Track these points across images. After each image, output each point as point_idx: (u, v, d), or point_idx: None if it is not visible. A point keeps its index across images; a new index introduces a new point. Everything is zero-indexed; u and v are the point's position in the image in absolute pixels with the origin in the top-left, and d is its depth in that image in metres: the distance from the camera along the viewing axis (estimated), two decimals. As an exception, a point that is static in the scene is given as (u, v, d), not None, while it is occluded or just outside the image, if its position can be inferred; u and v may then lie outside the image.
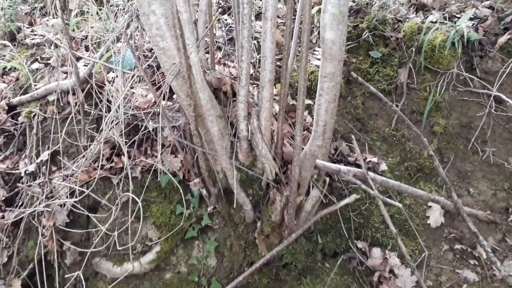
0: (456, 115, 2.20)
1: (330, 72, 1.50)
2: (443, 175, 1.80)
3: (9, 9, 2.87)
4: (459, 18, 2.36)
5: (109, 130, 1.83)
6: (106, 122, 1.80)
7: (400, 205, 1.57)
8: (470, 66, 2.24)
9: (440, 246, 2.01)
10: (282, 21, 2.55)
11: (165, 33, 1.42)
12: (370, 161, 2.15)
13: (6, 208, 2.12)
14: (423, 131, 2.21)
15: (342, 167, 1.73)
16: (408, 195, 2.02)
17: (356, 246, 2.00)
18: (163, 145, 1.95)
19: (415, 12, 2.58)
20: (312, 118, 2.20)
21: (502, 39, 2.24)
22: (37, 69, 2.39)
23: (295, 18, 1.89)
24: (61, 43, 2.46)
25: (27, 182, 2.11)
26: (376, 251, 1.97)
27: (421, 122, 2.23)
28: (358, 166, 2.07)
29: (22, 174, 2.12)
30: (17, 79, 2.44)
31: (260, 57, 2.31)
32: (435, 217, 1.98)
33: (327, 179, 1.89)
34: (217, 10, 2.60)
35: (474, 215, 1.91)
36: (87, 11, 2.82)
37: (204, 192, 1.90)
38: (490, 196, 2.04)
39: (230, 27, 2.46)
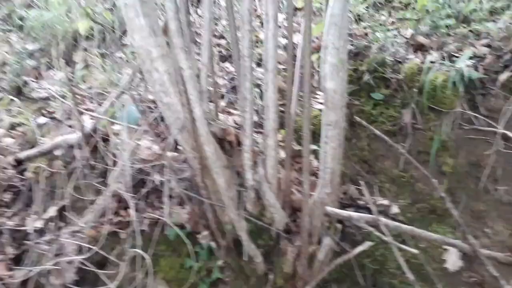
0: (464, 154, 2.19)
1: (333, 120, 1.51)
2: (457, 216, 1.76)
3: (16, 64, 2.95)
4: (458, 57, 2.39)
5: (116, 184, 1.82)
6: (112, 175, 1.80)
7: (416, 251, 1.53)
8: (473, 104, 2.25)
9: (460, 291, 1.94)
10: (282, 66, 2.59)
11: (169, 88, 1.44)
12: (381, 204, 2.11)
13: (15, 267, 2.09)
14: (431, 172, 2.18)
15: (353, 213, 1.70)
16: (423, 239, 1.97)
17: (372, 294, 1.93)
18: (170, 197, 1.93)
19: (414, 53, 2.62)
20: (318, 162, 2.20)
21: (502, 77, 2.26)
22: (43, 123, 2.42)
23: (295, 63, 1.92)
24: (66, 97, 2.51)
25: (35, 239, 2.09)
26: (394, 299, 1.90)
27: (429, 162, 2.20)
28: (369, 209, 2.03)
29: (30, 231, 2.10)
30: (24, 133, 2.47)
31: (262, 103, 2.34)
32: (453, 260, 1.92)
33: (339, 225, 1.86)
34: (218, 59, 2.65)
35: (493, 257, 1.85)
36: (92, 63, 2.90)
37: (213, 244, 1.87)
38: (508, 236, 1.99)
39: (233, 75, 2.50)
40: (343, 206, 2.06)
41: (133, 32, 1.33)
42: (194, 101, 1.42)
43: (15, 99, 2.66)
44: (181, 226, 1.94)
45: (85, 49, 2.99)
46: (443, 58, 2.42)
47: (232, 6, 1.58)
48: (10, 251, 2.15)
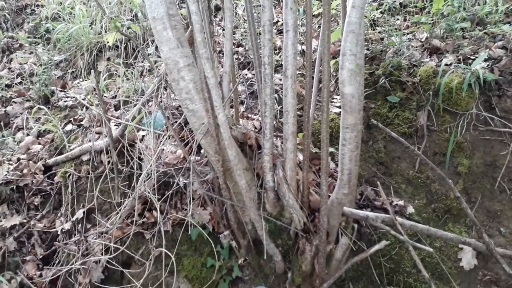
0: (480, 154, 2.22)
1: (351, 123, 1.57)
2: (472, 216, 1.79)
3: (43, 74, 3.08)
4: (473, 59, 2.42)
5: (142, 187, 1.91)
6: (139, 180, 1.89)
7: (431, 250, 1.58)
8: (489, 106, 2.27)
9: (475, 289, 1.97)
10: (300, 72, 2.66)
11: (194, 96, 1.53)
12: (396, 204, 2.16)
13: (44, 267, 2.19)
14: (447, 172, 2.22)
15: (370, 213, 1.75)
16: (438, 238, 2.01)
17: (389, 292, 1.98)
18: (192, 199, 2.01)
19: (429, 56, 2.66)
20: (335, 164, 2.25)
21: (518, 78, 2.28)
22: (70, 130, 2.53)
23: (313, 69, 1.99)
24: (92, 104, 2.62)
25: (63, 240, 2.19)
26: (410, 297, 1.94)
27: (444, 163, 2.24)
28: (385, 210, 2.08)
29: (59, 232, 2.20)
30: (52, 140, 2.59)
31: (281, 108, 2.41)
32: (468, 259, 1.95)
33: (355, 225, 1.91)
34: (238, 67, 2.73)
35: (508, 256, 1.87)
36: (115, 72, 3.01)
37: (233, 243, 1.94)
38: (523, 235, 2.01)
39: (251, 81, 2.58)
40: (359, 207, 2.11)
41: (161, 44, 1.42)
42: (218, 108, 1.49)
43: (43, 107, 2.78)
44: (203, 226, 2.02)
45: (108, 59, 3.11)
46: (459, 61, 2.45)
47: (252, 16, 1.66)
48: (40, 251, 2.26)
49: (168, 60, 1.46)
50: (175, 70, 1.47)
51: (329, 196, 1.79)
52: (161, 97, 2.07)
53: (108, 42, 2.56)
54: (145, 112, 1.99)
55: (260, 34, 2.34)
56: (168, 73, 1.50)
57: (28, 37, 3.62)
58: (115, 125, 2.33)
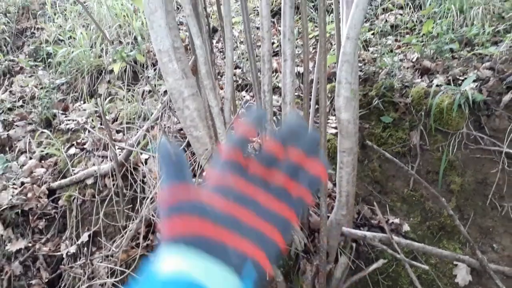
0: (471, 172, 2.30)
1: (348, 147, 1.65)
2: (465, 233, 1.87)
3: (45, 98, 3.15)
4: (462, 80, 2.52)
5: (146, 210, 1.96)
6: (143, 203, 1.94)
7: (427, 267, 1.64)
8: (478, 125, 2.36)
9: (470, 304, 2.03)
10: (297, 93, 2.75)
11: (198, 124, 1.60)
12: (392, 222, 2.23)
13: (49, 290, 2.23)
14: (440, 190, 2.30)
15: (367, 233, 1.82)
16: (433, 255, 2.08)
17: (387, 309, 2.03)
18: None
19: (420, 77, 2.76)
20: (333, 185, 2.32)
21: (506, 98, 2.38)
22: (74, 154, 2.59)
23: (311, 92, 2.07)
24: (94, 127, 2.69)
25: (68, 264, 2.23)
26: (408, 313, 2.00)
27: (437, 181, 2.32)
28: (382, 228, 2.15)
29: (64, 256, 2.24)
30: (56, 163, 2.64)
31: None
32: (462, 275, 2.02)
33: (354, 244, 1.97)
34: (236, 88, 2.81)
35: (500, 271, 1.95)
36: (116, 94, 3.08)
37: (236, 264, 1.99)
38: (514, 251, 2.09)
39: (250, 103, 2.66)
40: (357, 226, 2.18)
41: (167, 75, 1.49)
42: (221, 134, 1.57)
43: (45, 131, 2.84)
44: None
45: (109, 81, 3.18)
46: (449, 82, 2.56)
47: (252, 46, 1.75)
48: (45, 275, 2.30)
49: (173, 90, 1.53)
50: (180, 100, 1.55)
51: (328, 216, 1.86)
52: (165, 123, 2.15)
53: (113, 71, 2.63)
54: (150, 138, 2.05)
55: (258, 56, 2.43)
56: (173, 102, 1.58)
57: (28, 60, 3.69)
58: (118, 149, 2.39)
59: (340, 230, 1.81)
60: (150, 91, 2.88)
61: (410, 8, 3.53)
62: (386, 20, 3.53)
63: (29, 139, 2.87)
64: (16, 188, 2.50)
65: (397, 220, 2.23)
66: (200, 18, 1.53)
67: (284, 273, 1.96)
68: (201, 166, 1.84)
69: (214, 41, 3.59)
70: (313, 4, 3.75)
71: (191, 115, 1.58)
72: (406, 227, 2.21)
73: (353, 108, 1.63)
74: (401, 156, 2.44)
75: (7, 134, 2.96)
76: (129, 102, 2.85)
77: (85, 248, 2.21)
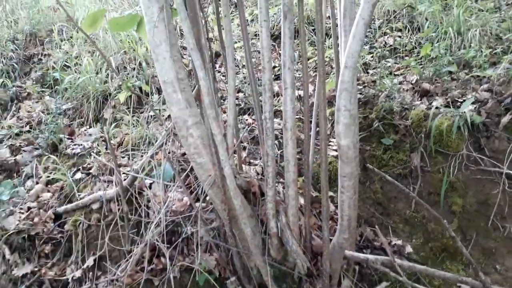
0: (472, 193, 2.32)
1: (348, 172, 1.68)
2: (468, 255, 1.88)
3: (51, 123, 3.21)
4: (461, 102, 2.56)
5: (151, 234, 1.99)
6: (148, 228, 1.98)
7: (429, 290, 1.66)
8: (478, 147, 2.39)
9: (475, 327, 2.02)
10: (298, 116, 2.80)
11: (202, 151, 1.64)
12: (395, 244, 2.24)
13: (54, 315, 2.25)
14: (442, 212, 2.32)
15: (370, 256, 1.84)
16: (436, 278, 2.08)
17: (392, 332, 2.03)
18: (199, 245, 2.09)
19: (419, 99, 2.81)
20: (335, 207, 2.35)
21: (504, 119, 2.41)
22: (79, 179, 2.63)
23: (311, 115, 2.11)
24: (99, 152, 2.74)
25: (74, 288, 2.25)
26: (413, 337, 1.99)
27: (439, 203, 2.34)
28: (384, 250, 2.16)
29: (69, 280, 2.26)
30: (62, 188, 2.68)
31: (281, 152, 2.52)
32: (466, 298, 2.02)
33: (357, 267, 1.99)
34: (239, 112, 2.87)
35: (504, 293, 1.96)
36: (121, 119, 3.14)
37: (240, 288, 2.01)
38: (518, 272, 2.10)
39: (252, 127, 2.71)
40: (360, 248, 2.20)
41: (171, 104, 1.55)
42: (224, 161, 1.61)
43: (51, 156, 2.89)
44: (209, 272, 2.09)
45: (114, 106, 3.25)
46: (448, 104, 2.60)
47: (253, 73, 1.80)
48: (50, 299, 2.32)
49: (178, 119, 1.58)
50: (184, 128, 1.60)
51: (331, 240, 1.88)
52: (169, 149, 2.19)
53: (121, 100, 2.69)
54: (154, 164, 2.10)
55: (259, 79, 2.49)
56: (178, 130, 1.62)
57: (35, 86, 3.77)
58: (123, 173, 2.43)
59: (342, 253, 1.82)
60: (154, 116, 2.94)
61: (408, 31, 3.60)
62: (385, 43, 3.60)
63: (36, 164, 2.92)
64: (23, 213, 2.54)
65: (399, 242, 2.25)
66: (203, 51, 1.59)
67: (287, 297, 1.97)
68: (204, 192, 1.88)
69: (217, 65, 3.66)
70: (312, 28, 3.83)
71: (194, 143, 1.62)
72: (408, 249, 2.22)
73: (352, 133, 1.67)
74: (402, 177, 2.47)
75: (14, 159, 3.01)
76: (134, 126, 2.90)
77: (91, 273, 2.24)
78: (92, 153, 2.69)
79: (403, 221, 2.38)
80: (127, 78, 3.00)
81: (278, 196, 2.05)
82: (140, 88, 3.10)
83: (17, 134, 3.28)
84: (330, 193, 2.34)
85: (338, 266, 1.88)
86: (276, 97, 3.02)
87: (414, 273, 2.14)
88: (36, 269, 2.35)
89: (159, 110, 2.88)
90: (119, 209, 2.24)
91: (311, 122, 2.10)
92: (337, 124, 1.63)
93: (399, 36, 3.63)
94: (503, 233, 2.20)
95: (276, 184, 2.24)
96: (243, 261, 1.98)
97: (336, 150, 2.55)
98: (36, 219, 2.48)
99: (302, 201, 2.07)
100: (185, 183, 2.23)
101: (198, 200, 2.13)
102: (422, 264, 2.02)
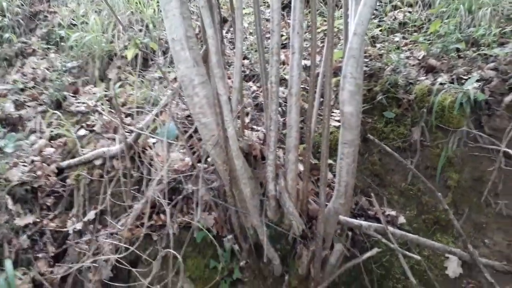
0: (468, 169, 2.36)
1: (349, 139, 1.71)
2: (458, 227, 1.93)
3: (56, 80, 3.22)
4: (466, 79, 2.56)
5: (152, 191, 2.04)
6: (149, 184, 2.02)
7: (419, 258, 1.71)
8: (479, 124, 2.42)
9: (460, 296, 2.11)
10: (303, 86, 2.81)
11: (206, 111, 1.67)
12: (389, 214, 2.30)
13: (55, 264, 2.32)
14: (437, 186, 2.36)
15: (363, 222, 1.89)
16: (426, 247, 2.15)
17: (379, 297, 2.11)
18: (199, 204, 2.15)
19: (425, 74, 2.81)
20: (333, 175, 2.39)
21: (507, 99, 2.42)
22: (83, 135, 2.67)
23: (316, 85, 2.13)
24: (104, 110, 2.76)
25: (74, 240, 2.32)
26: (399, 302, 2.07)
27: (435, 177, 2.38)
28: (378, 219, 2.22)
29: (70, 232, 2.33)
30: (65, 144, 2.72)
31: (284, 120, 2.55)
32: (453, 268, 2.09)
33: (350, 233, 2.05)
34: (244, 78, 2.87)
35: (490, 265, 2.01)
36: (125, 80, 3.15)
37: (236, 247, 2.07)
38: (505, 246, 2.15)
39: (256, 93, 2.72)
40: (354, 215, 2.25)
41: (178, 62, 1.56)
42: (228, 122, 1.64)
43: (56, 112, 2.92)
44: (207, 230, 2.15)
45: (119, 67, 3.25)
46: (452, 81, 2.60)
47: (262, 38, 1.81)
48: (51, 249, 2.39)
49: (184, 77, 1.60)
50: (190, 87, 1.62)
51: (326, 205, 1.93)
52: (174, 108, 2.22)
53: (125, 56, 2.69)
54: (159, 123, 2.13)
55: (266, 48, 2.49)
56: (184, 88, 1.65)
57: (41, 43, 3.76)
58: (127, 132, 2.47)
59: (337, 218, 1.88)
60: (160, 78, 2.95)
61: (419, 6, 3.56)
62: (395, 17, 3.56)
63: (40, 119, 2.95)
64: (26, 166, 2.59)
65: (393, 212, 2.30)
66: (213, 10, 1.60)
67: (281, 256, 2.04)
68: (207, 152, 1.92)
69: (224, 31, 3.64)
70: (322, -3, 3.79)
71: (200, 102, 1.65)
72: (401, 220, 2.28)
73: (356, 102, 1.70)
74: (401, 151, 2.50)
75: (19, 114, 3.04)
76: (138, 88, 2.92)
77: (91, 226, 2.30)
78: (96, 111, 2.71)
79: (398, 193, 2.43)
80: (134, 37, 2.99)
81: (278, 161, 2.09)
82: (147, 49, 3.09)
83: (21, 90, 3.29)
84: (330, 161, 2.38)
85: (332, 230, 1.94)
86: (282, 66, 3.02)
87: (405, 243, 2.21)
88: (38, 220, 2.41)
89: (165, 73, 2.88)
90: (121, 166, 2.29)
91: (315, 91, 2.12)
92: (342, 90, 1.65)
93: (409, 12, 3.60)
94: (495, 209, 2.25)
95: (277, 149, 2.28)
96: (240, 221, 2.03)
97: (338, 121, 2.58)
98: (39, 172, 2.53)
99: (301, 167, 2.12)
100: (188, 144, 2.27)
101: (199, 161, 2.17)
102: (414, 234, 2.08)
